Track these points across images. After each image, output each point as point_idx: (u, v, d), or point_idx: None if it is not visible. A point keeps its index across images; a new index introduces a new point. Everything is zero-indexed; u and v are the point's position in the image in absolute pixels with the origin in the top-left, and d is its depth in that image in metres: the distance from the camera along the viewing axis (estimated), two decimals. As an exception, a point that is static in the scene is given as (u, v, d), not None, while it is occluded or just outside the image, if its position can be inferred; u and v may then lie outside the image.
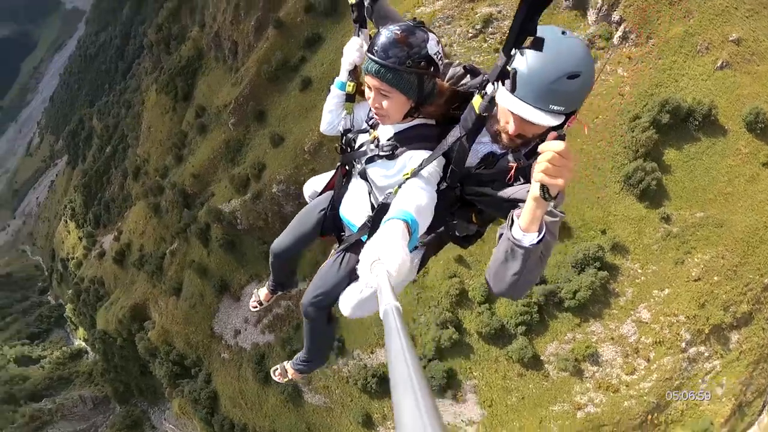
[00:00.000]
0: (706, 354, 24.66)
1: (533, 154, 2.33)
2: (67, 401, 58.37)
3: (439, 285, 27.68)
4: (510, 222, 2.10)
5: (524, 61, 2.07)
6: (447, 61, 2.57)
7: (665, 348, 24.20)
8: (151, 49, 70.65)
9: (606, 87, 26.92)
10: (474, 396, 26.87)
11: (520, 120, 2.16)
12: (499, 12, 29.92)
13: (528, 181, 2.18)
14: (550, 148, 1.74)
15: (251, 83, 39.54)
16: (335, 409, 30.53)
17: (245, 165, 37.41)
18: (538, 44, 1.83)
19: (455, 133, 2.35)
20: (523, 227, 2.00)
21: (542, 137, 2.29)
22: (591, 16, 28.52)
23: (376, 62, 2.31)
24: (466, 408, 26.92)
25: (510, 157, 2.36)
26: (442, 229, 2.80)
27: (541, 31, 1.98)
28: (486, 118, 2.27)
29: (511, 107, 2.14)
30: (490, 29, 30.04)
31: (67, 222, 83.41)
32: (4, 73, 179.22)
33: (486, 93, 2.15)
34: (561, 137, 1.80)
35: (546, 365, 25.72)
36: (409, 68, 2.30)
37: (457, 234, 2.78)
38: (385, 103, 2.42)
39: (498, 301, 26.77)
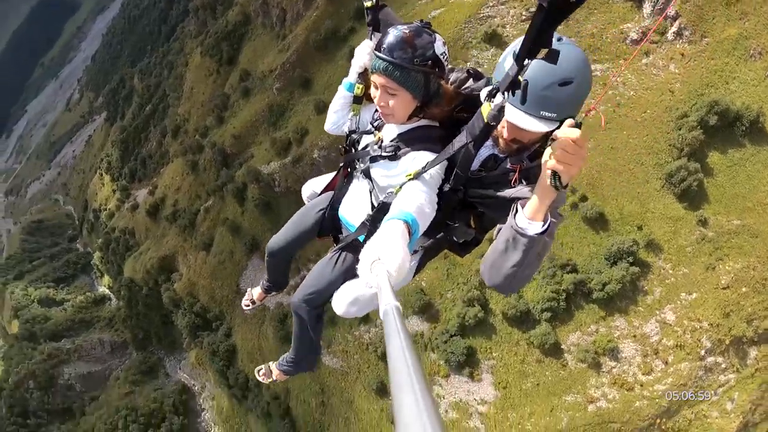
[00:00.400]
0: (723, 366, 24.25)
1: (537, 156, 2.35)
2: (86, 343, 59.93)
3: (470, 263, 27.79)
4: (514, 211, 2.10)
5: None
6: (450, 66, 2.61)
7: (684, 353, 23.97)
8: (196, 13, 71.75)
9: (656, 82, 26.63)
10: (490, 376, 27.11)
11: (512, 126, 2.18)
12: None
13: (532, 183, 2.15)
14: (565, 134, 1.72)
15: (299, 50, 40.09)
16: (351, 373, 31.21)
17: (287, 129, 38.04)
18: (553, 57, 1.79)
19: (462, 139, 2.33)
20: (529, 216, 2.00)
21: (542, 143, 2.34)
22: (646, 8, 28.08)
23: (384, 60, 2.37)
24: (480, 387, 27.20)
25: (511, 160, 2.39)
26: (441, 234, 2.80)
27: None
28: (494, 127, 2.26)
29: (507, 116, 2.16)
30: None
31: (102, 175, 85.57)
32: (47, 32, 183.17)
33: (494, 102, 2.11)
34: (578, 125, 1.76)
35: (565, 354, 25.74)
36: (416, 66, 2.36)
37: (455, 239, 2.79)
38: (391, 102, 2.47)
39: (527, 285, 27.02)
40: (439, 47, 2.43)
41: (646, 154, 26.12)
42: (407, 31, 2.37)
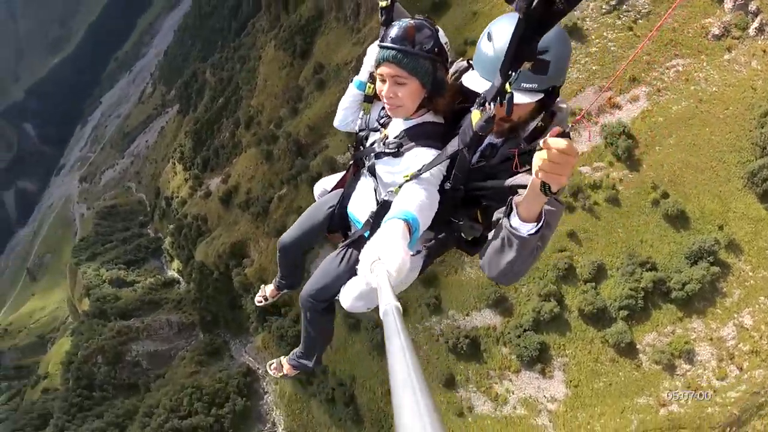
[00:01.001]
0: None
1: (534, 137, 2.33)
2: (155, 323, 62.24)
3: (546, 257, 27.38)
4: (508, 209, 2.11)
5: (490, 45, 2.14)
6: (450, 59, 2.62)
7: (759, 360, 22.88)
8: (269, 9, 73.81)
9: (738, 78, 25.56)
10: (561, 374, 26.60)
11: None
12: None
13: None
14: (552, 145, 1.69)
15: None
16: (419, 364, 31.24)
17: (364, 121, 38.55)
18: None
19: (454, 145, 2.35)
20: (522, 216, 2.02)
21: (535, 119, 2.36)
22: (727, 3, 27.08)
23: (393, 48, 2.41)
24: (551, 384, 26.73)
25: (508, 144, 2.38)
26: (444, 235, 2.81)
27: (507, 14, 2.09)
28: (484, 136, 2.24)
29: (481, 90, 2.15)
30: (624, 6, 29.27)
31: (175, 164, 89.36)
32: (121, 27, 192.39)
33: (484, 110, 2.06)
34: (565, 134, 1.73)
35: (640, 355, 25.05)
36: (425, 53, 2.40)
37: (462, 236, 2.74)
38: (400, 92, 2.48)
39: (605, 281, 26.29)
40: (443, 36, 2.51)
41: (728, 152, 25.18)
42: (412, 22, 2.45)
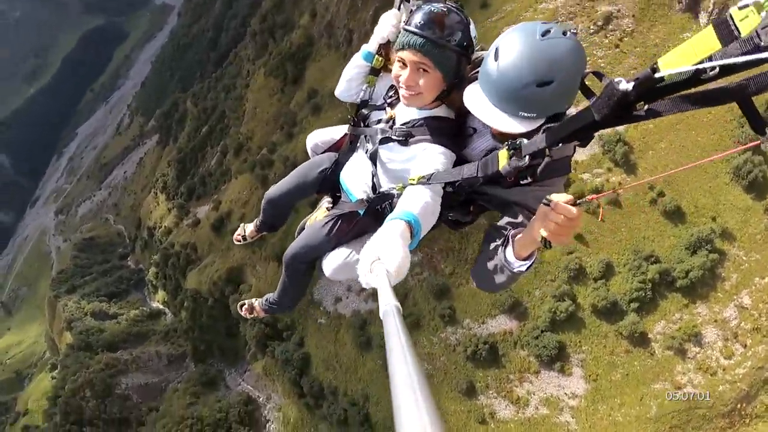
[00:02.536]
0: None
1: (540, 155, 2.14)
2: (143, 354, 60.69)
3: (557, 260, 28.69)
4: (505, 241, 2.17)
5: (495, 65, 2.01)
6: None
7: (761, 336, 24.83)
8: (254, 38, 74.95)
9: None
10: (580, 370, 27.62)
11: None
12: (618, 11, 31.50)
13: (534, 179, 2.06)
14: (565, 212, 1.72)
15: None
16: (436, 375, 31.16)
17: (364, 142, 39.10)
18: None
19: (472, 171, 2.22)
20: (516, 253, 2.08)
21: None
22: (702, 19, 29.40)
23: (422, 36, 2.26)
24: (570, 381, 27.67)
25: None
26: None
27: (520, 28, 1.99)
28: (505, 177, 2.16)
29: (478, 112, 2.13)
30: (610, 26, 31.46)
31: (157, 194, 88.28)
32: (97, 59, 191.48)
33: (516, 156, 2.01)
34: (576, 203, 1.75)
35: (652, 343, 26.58)
36: (453, 46, 2.29)
37: (449, 217, 2.73)
38: (421, 81, 2.38)
39: (614, 277, 27.72)
40: (473, 30, 2.38)
41: (714, 151, 27.28)
42: (445, 10, 2.31)
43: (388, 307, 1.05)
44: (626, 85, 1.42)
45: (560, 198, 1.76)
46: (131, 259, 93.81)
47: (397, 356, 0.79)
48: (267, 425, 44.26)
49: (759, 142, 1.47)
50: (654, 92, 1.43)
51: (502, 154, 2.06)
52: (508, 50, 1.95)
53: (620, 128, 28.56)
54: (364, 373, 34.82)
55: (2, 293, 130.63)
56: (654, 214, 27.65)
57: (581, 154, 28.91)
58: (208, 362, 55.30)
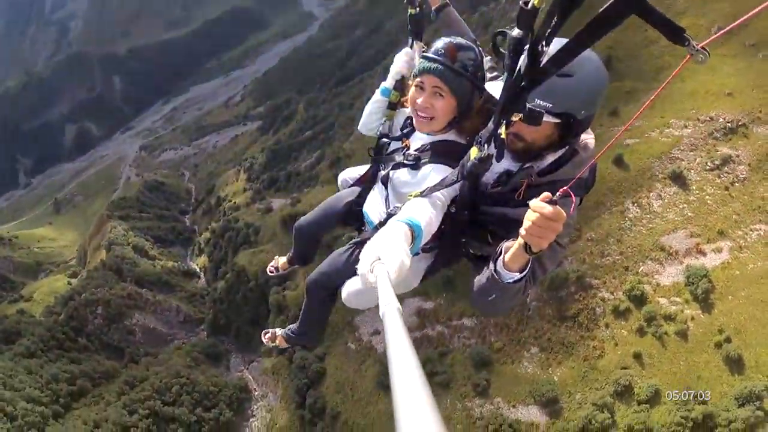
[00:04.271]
0: None
1: (547, 172, 2.35)
2: (164, 302, 62.40)
3: (609, 371, 28.40)
4: (497, 254, 2.16)
5: None
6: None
7: None
8: (385, 72, 79.66)
9: None
10: None
11: None
12: (738, 155, 31.84)
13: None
14: (538, 208, 1.73)
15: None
16: (447, 440, 30.62)
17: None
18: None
19: (453, 176, 2.36)
20: (506, 265, 2.06)
21: (551, 147, 2.33)
22: None
23: (441, 62, 2.46)
24: None
25: (520, 175, 2.36)
26: (447, 249, 2.86)
27: None
28: (481, 175, 2.35)
29: (496, 92, 2.16)
30: (726, 168, 31.83)
31: (240, 171, 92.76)
32: (232, 35, 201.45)
33: (480, 153, 2.14)
34: (552, 202, 1.73)
35: None
36: (468, 74, 2.49)
37: (471, 252, 2.77)
38: (437, 104, 2.53)
39: (658, 406, 26.74)
40: (487, 63, 2.64)
41: None
42: (462, 42, 2.56)
43: (388, 307, 1.05)
44: (517, 31, 1.63)
45: (540, 197, 1.78)
46: (189, 217, 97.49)
47: (397, 356, 0.79)
48: (250, 420, 44.17)
49: (685, 60, 1.36)
50: (550, 36, 1.51)
51: (473, 151, 2.19)
52: None
53: (708, 266, 28.70)
54: (374, 412, 34.55)
55: (60, 191, 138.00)
56: (715, 357, 26.95)
57: (665, 278, 29.35)
58: (220, 337, 56.30)
